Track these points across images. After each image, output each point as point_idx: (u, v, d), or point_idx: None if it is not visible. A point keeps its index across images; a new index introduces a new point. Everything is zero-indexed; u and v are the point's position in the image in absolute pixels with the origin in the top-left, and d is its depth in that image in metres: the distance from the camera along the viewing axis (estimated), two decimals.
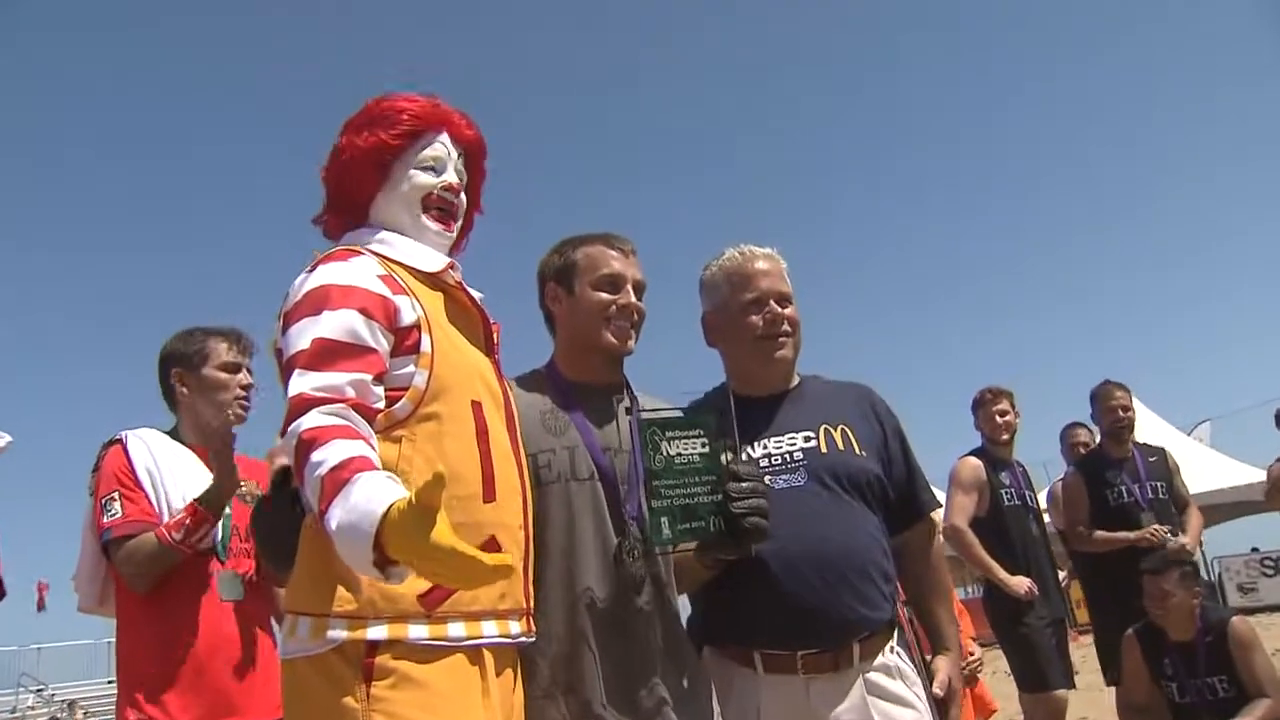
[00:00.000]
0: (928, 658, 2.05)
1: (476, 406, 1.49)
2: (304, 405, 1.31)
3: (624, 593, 1.73)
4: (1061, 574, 4.80)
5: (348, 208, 1.66)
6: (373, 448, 1.30)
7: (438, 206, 1.64)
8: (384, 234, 1.61)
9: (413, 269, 1.56)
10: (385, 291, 1.46)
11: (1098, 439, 4.89)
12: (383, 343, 1.42)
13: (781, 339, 1.96)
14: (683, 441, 1.66)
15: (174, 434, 2.43)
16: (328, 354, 1.36)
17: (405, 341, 1.45)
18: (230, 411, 2.37)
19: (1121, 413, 4.60)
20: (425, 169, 1.63)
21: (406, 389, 1.43)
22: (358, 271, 1.47)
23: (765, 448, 1.91)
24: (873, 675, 1.81)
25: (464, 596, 1.37)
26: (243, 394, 2.40)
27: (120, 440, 2.35)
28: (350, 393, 1.34)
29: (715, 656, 1.90)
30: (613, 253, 1.88)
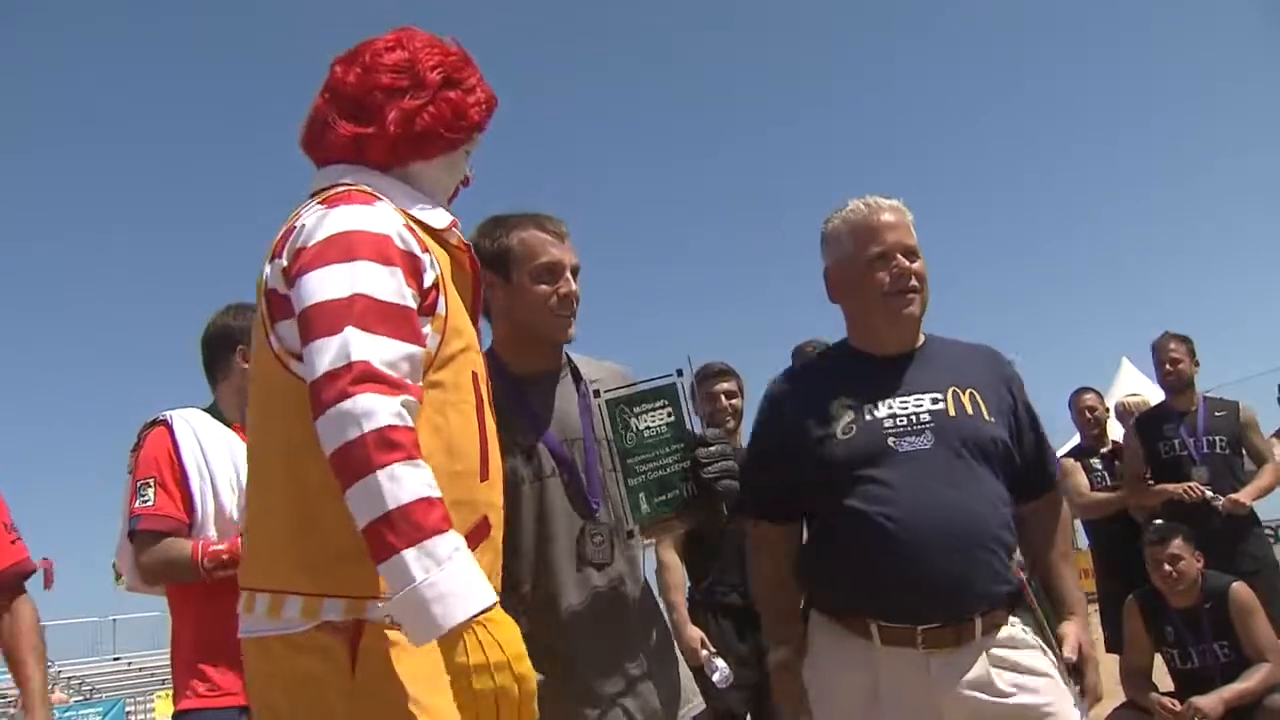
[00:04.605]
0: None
1: (475, 378, 1.38)
2: (373, 379, 1.13)
3: (595, 576, 1.78)
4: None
5: (385, 147, 1.40)
6: None
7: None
8: (403, 186, 1.41)
9: (424, 224, 1.39)
10: (415, 248, 1.30)
11: (1109, 405, 4.86)
12: (416, 306, 1.27)
13: (910, 295, 1.86)
14: (651, 414, 1.69)
15: (213, 411, 2.39)
16: (379, 317, 1.18)
17: (424, 301, 1.29)
18: None
19: (1170, 365, 4.57)
20: (467, 155, 1.52)
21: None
22: (389, 221, 1.29)
23: (890, 408, 1.82)
24: (996, 650, 1.75)
25: None
26: None
27: (166, 422, 2.30)
28: (407, 370, 1.19)
29: (825, 622, 1.86)
30: (548, 238, 1.81)
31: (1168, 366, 4.59)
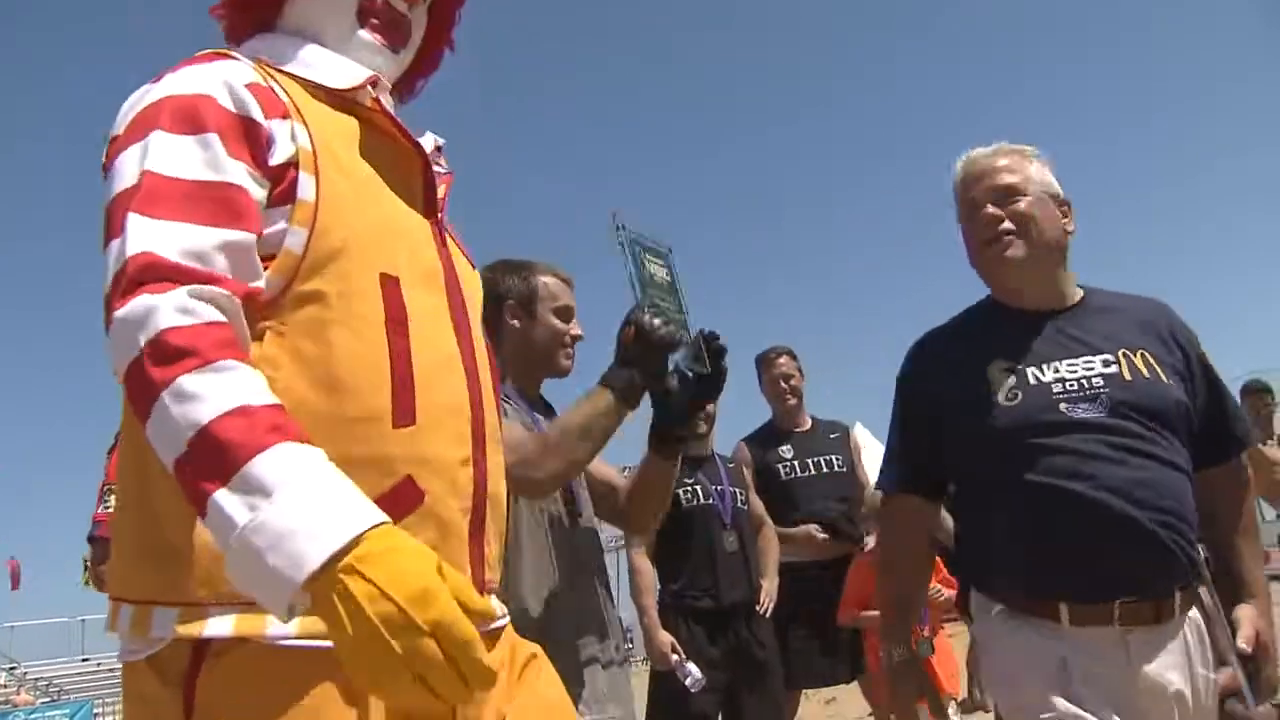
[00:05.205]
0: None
1: (389, 284, 1.00)
2: (153, 275, 0.85)
3: (580, 563, 1.92)
4: None
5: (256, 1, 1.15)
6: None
7: (380, 16, 1.15)
8: (293, 42, 1.13)
9: (313, 84, 1.08)
10: (250, 108, 0.97)
11: None
12: (254, 187, 0.95)
13: (1005, 239, 1.72)
14: (654, 265, 1.68)
15: None
16: (170, 197, 0.90)
17: (276, 187, 0.97)
18: None
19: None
20: None
21: (273, 257, 0.95)
22: (214, 78, 0.98)
23: (1057, 371, 1.67)
24: (1196, 627, 1.64)
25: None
26: None
27: None
28: (222, 264, 0.89)
29: (999, 607, 1.70)
30: (566, 286, 2.08)
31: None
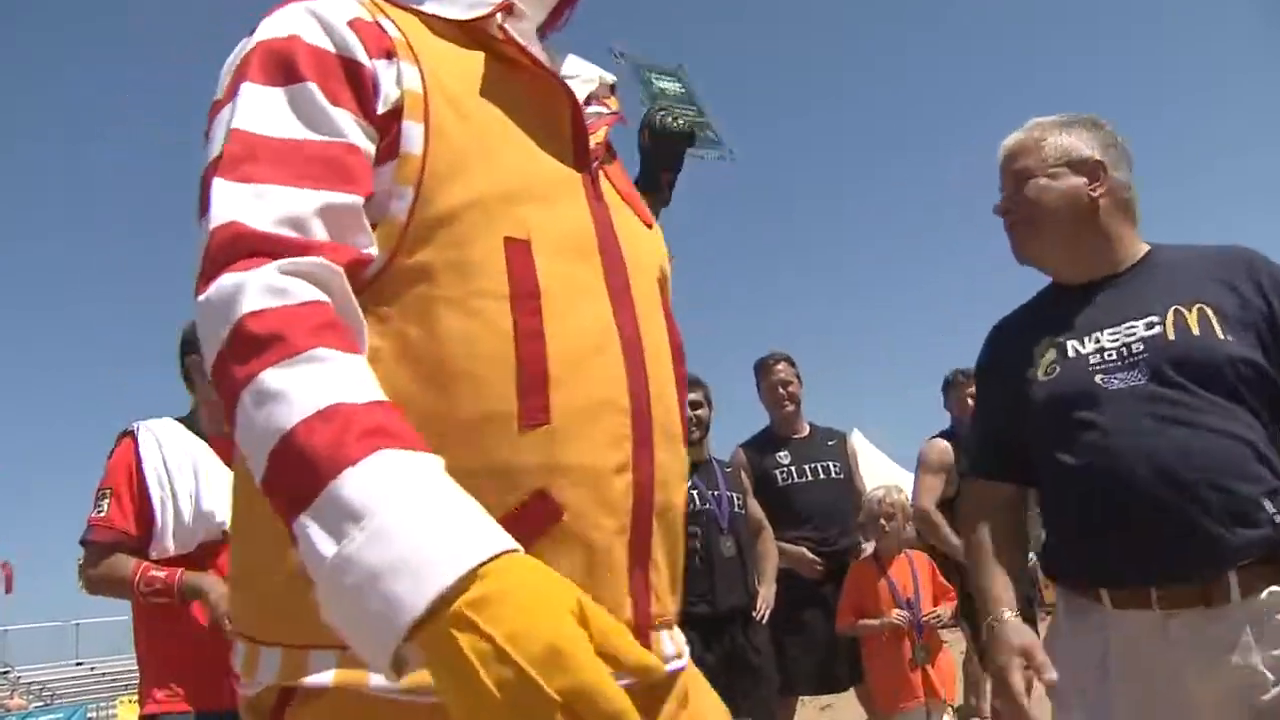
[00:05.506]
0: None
1: (517, 250, 0.80)
2: (240, 249, 0.71)
3: None
4: (1032, 556, 4.85)
5: None
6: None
7: None
8: None
9: (434, 16, 0.92)
10: (352, 48, 0.82)
11: None
12: (361, 139, 0.80)
13: (1015, 229, 1.71)
14: (664, 81, 1.57)
15: (190, 419, 2.43)
16: (260, 155, 0.76)
17: (382, 139, 0.82)
18: None
19: None
20: None
21: (375, 226, 0.80)
22: (309, 17, 0.84)
23: (1098, 341, 1.58)
24: (1265, 613, 1.45)
25: None
26: None
27: (132, 433, 2.35)
28: (323, 232, 0.75)
29: (1063, 590, 1.67)
30: None
31: None
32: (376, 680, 0.71)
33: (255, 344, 0.66)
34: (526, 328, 0.78)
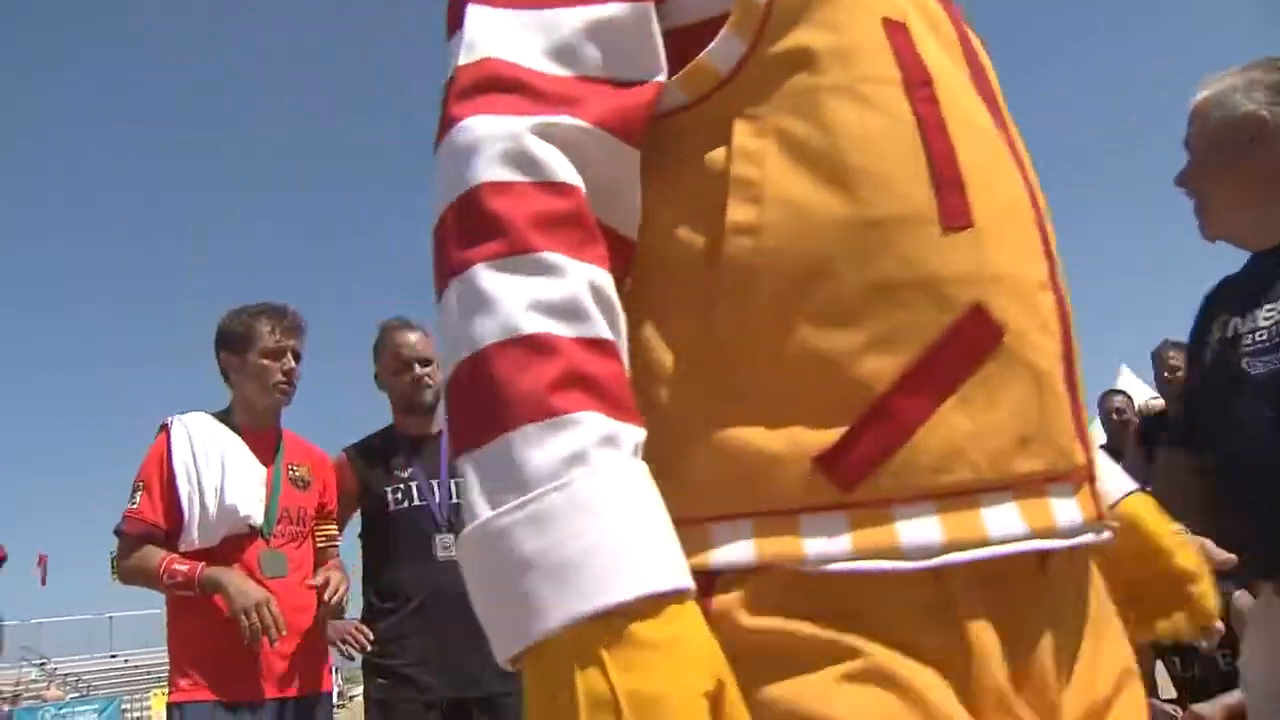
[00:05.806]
0: None
1: (897, 33, 0.66)
2: (487, 93, 0.59)
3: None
4: None
5: None
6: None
7: None
8: None
9: None
10: None
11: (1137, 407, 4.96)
12: None
13: (1196, 213, 1.57)
14: None
15: (227, 413, 2.48)
16: None
17: None
18: (273, 394, 2.45)
19: (1170, 373, 4.59)
20: None
21: (720, 19, 0.65)
22: None
23: (1253, 321, 1.45)
24: None
25: (929, 441, 0.57)
26: (283, 379, 2.45)
27: (167, 426, 2.42)
28: (596, 61, 0.62)
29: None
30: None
31: (1168, 374, 4.61)
32: (815, 549, 0.56)
33: (482, 225, 0.55)
34: (928, 117, 0.64)
